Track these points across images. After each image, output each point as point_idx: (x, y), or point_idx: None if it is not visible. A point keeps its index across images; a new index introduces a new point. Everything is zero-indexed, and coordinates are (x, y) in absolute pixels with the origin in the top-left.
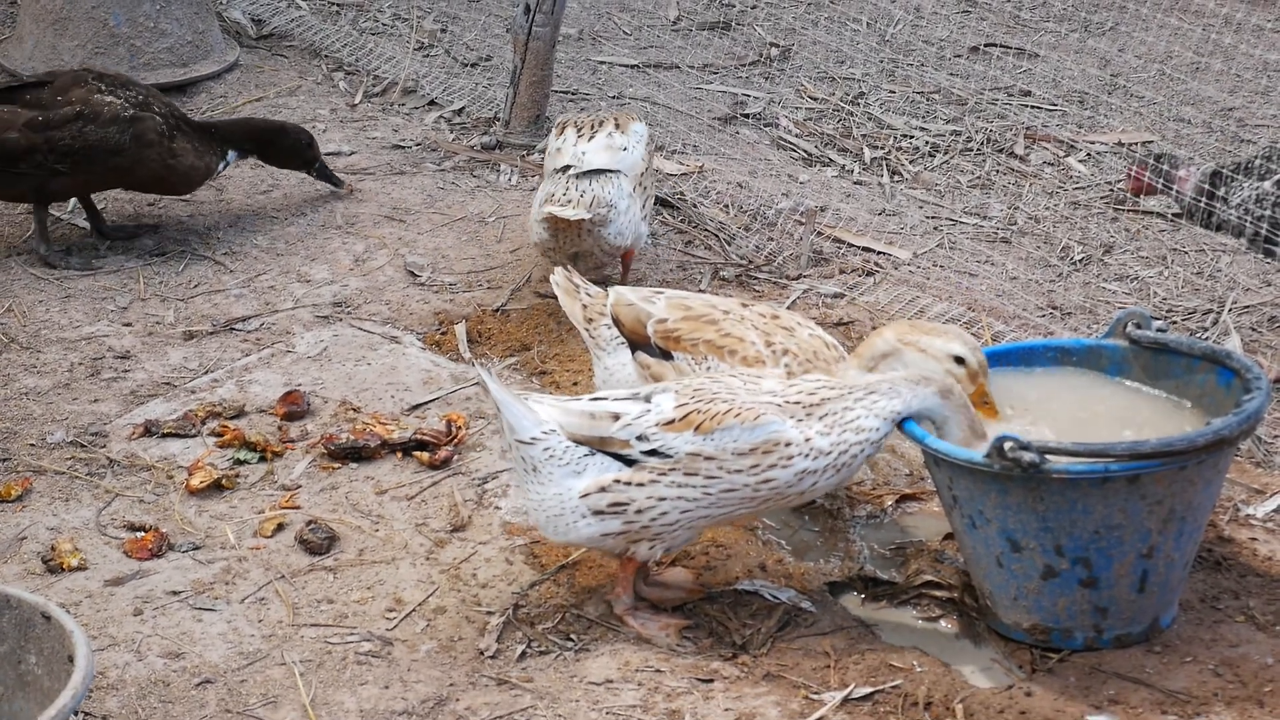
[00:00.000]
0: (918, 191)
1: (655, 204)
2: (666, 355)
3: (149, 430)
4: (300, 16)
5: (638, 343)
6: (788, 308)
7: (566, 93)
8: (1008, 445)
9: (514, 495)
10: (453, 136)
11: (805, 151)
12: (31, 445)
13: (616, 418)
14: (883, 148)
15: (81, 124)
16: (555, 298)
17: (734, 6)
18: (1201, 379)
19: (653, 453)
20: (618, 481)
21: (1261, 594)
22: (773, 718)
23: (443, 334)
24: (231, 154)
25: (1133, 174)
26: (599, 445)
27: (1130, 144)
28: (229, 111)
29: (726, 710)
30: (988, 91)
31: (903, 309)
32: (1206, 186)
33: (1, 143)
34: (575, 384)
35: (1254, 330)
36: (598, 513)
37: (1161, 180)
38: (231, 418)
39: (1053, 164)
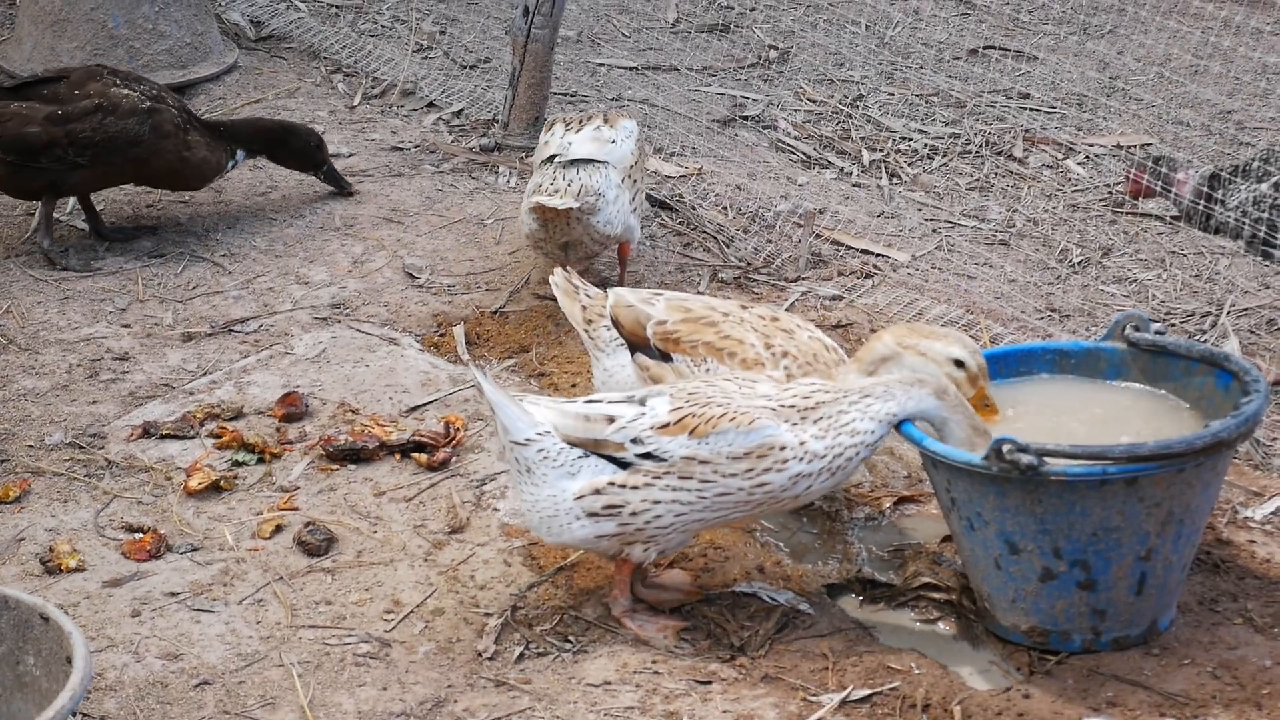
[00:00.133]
0: (916, 194)
1: (654, 206)
2: (666, 357)
3: (147, 432)
4: (299, 18)
5: (637, 344)
6: (786, 310)
7: (565, 95)
8: (1006, 447)
9: (511, 497)
10: (451, 138)
11: (804, 154)
12: (30, 446)
13: (611, 420)
14: (881, 150)
15: (101, 116)
16: (554, 299)
17: (733, 9)
18: (1200, 381)
19: (647, 456)
20: (612, 484)
21: (1260, 596)
22: (770, 719)
23: (441, 336)
24: (240, 153)
25: (1131, 177)
26: (594, 448)
27: (1129, 147)
28: (228, 113)
29: (725, 712)
30: (986, 94)
31: (901, 311)
32: (1205, 189)
33: (23, 136)
34: (574, 386)
35: (1252, 333)
36: (592, 515)
37: (1160, 183)
38: (230, 419)
39: (1051, 166)
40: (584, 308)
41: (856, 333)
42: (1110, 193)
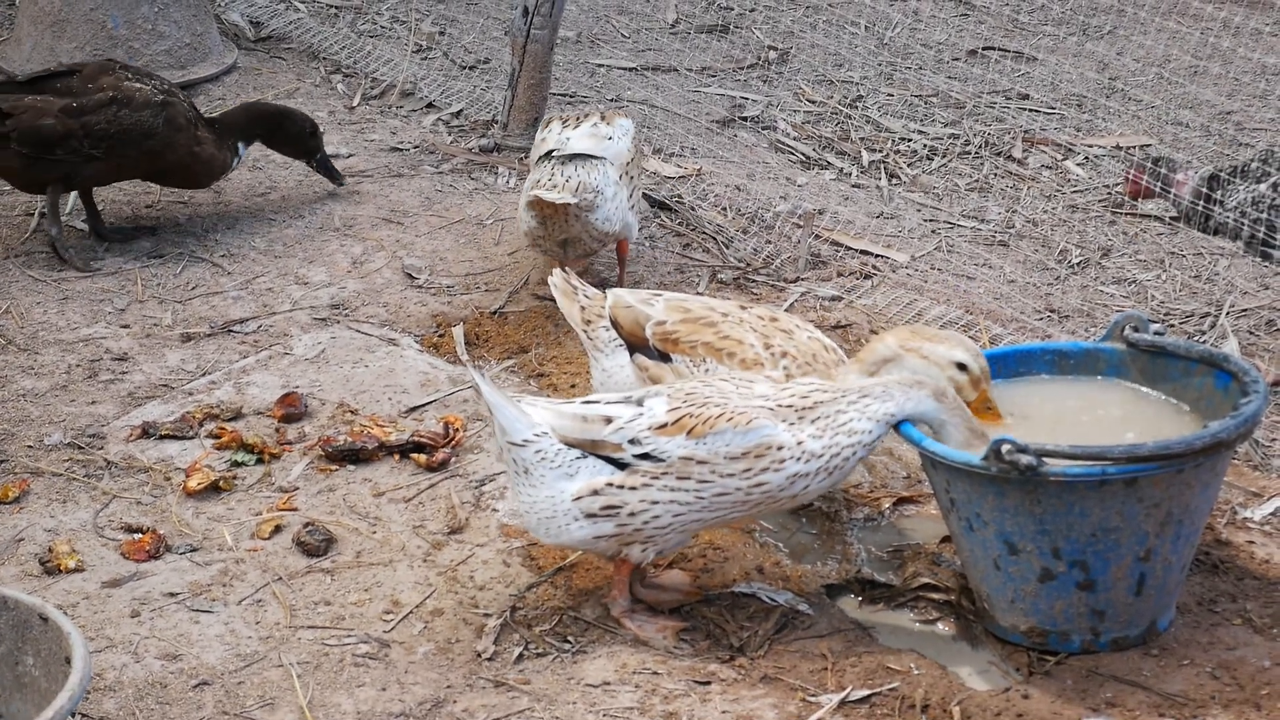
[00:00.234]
0: (915, 194)
1: (653, 207)
2: (665, 357)
3: (146, 432)
4: (299, 19)
5: (636, 345)
6: (786, 310)
7: (565, 95)
8: (1005, 448)
9: (510, 498)
10: (451, 139)
11: (803, 154)
12: (29, 447)
13: (609, 421)
14: (881, 151)
15: (116, 108)
16: (553, 300)
17: (732, 10)
18: (1199, 382)
19: (645, 456)
20: (610, 485)
21: (1259, 597)
22: None
23: (440, 336)
24: (241, 146)
25: (1130, 177)
26: (591, 448)
27: (1128, 147)
28: None
29: (724, 712)
30: (986, 95)
31: (900, 312)
32: (1204, 190)
33: (38, 129)
34: (573, 386)
35: (1251, 333)
36: (590, 515)
37: (1159, 184)
38: (229, 420)
39: (1051, 167)
40: (583, 308)
41: (856, 333)
42: (1109, 193)
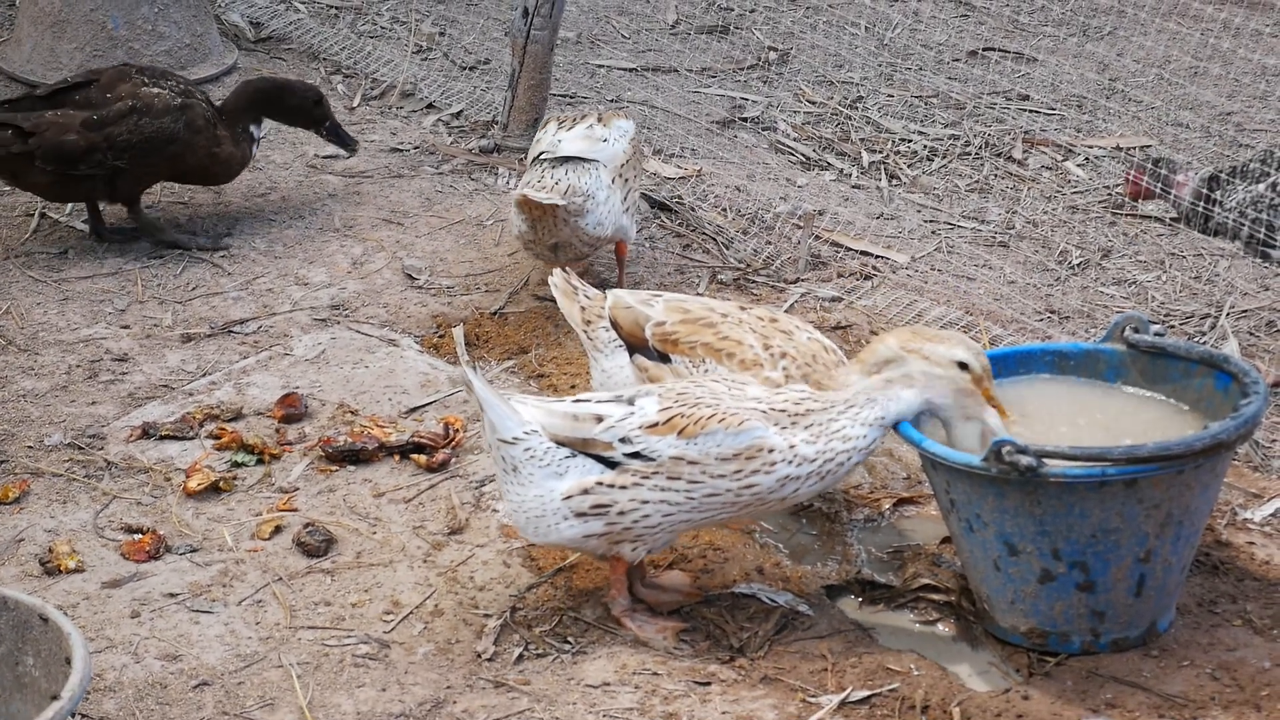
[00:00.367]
0: (916, 195)
1: (653, 208)
2: (664, 358)
3: (146, 432)
4: (299, 19)
5: (636, 345)
6: (786, 311)
7: (565, 96)
8: (1005, 449)
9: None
10: (451, 140)
11: (803, 155)
12: (29, 447)
13: (599, 420)
14: (881, 151)
15: (136, 118)
16: (553, 300)
17: (732, 10)
18: (1199, 383)
19: (636, 455)
20: (600, 484)
21: (1259, 598)
22: None
23: (440, 337)
24: (255, 130)
25: (1131, 178)
26: (581, 447)
27: (1128, 148)
28: None
29: (724, 713)
30: (986, 96)
31: (900, 313)
32: (1204, 191)
33: (61, 145)
34: (573, 386)
35: (1252, 334)
36: (580, 514)
37: (1159, 185)
38: (229, 420)
39: (1051, 168)
40: (583, 309)
41: (856, 334)
42: (1110, 194)
